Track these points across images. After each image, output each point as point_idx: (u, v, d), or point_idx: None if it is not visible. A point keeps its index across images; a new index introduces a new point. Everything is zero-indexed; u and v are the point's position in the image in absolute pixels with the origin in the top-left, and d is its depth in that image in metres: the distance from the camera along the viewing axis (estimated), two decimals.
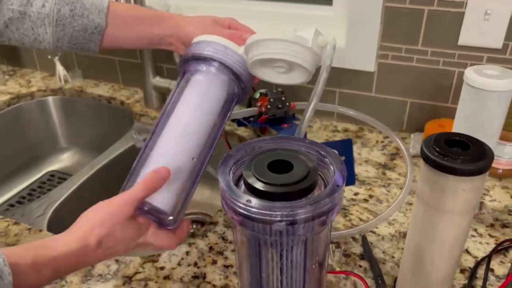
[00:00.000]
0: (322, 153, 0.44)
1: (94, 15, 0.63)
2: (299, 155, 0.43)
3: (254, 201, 0.38)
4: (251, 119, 0.84)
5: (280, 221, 0.37)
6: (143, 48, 0.98)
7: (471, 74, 0.60)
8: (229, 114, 0.59)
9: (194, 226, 0.97)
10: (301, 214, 0.37)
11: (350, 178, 0.71)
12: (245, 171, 0.41)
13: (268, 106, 0.82)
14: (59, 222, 0.76)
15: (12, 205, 1.05)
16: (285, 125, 0.83)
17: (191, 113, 0.55)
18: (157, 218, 0.52)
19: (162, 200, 0.52)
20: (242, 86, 0.58)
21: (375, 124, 0.74)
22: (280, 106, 0.82)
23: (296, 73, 0.57)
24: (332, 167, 0.42)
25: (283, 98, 0.83)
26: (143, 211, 0.52)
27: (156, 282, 0.60)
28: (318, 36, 0.55)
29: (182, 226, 0.55)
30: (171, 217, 0.52)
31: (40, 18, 0.62)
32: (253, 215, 0.38)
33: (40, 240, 0.46)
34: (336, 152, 0.45)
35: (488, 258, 0.60)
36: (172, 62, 1.00)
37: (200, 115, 0.55)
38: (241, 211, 0.38)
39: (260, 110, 0.83)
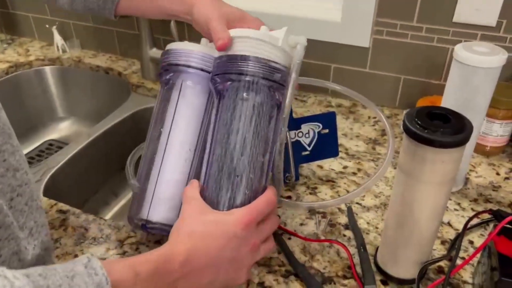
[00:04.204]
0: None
1: None
2: None
3: None
4: None
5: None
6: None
7: (460, 50, 0.60)
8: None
9: None
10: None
11: (333, 150, 0.72)
12: None
13: None
14: (56, 188, 0.78)
15: None
16: None
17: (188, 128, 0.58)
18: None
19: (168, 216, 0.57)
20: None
21: (356, 97, 0.74)
22: None
23: None
24: None
25: None
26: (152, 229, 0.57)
27: (147, 246, 0.62)
28: (289, 35, 0.54)
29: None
30: None
31: None
32: None
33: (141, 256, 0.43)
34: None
35: (464, 226, 0.61)
36: (170, 34, 1.00)
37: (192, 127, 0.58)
38: None
39: None
